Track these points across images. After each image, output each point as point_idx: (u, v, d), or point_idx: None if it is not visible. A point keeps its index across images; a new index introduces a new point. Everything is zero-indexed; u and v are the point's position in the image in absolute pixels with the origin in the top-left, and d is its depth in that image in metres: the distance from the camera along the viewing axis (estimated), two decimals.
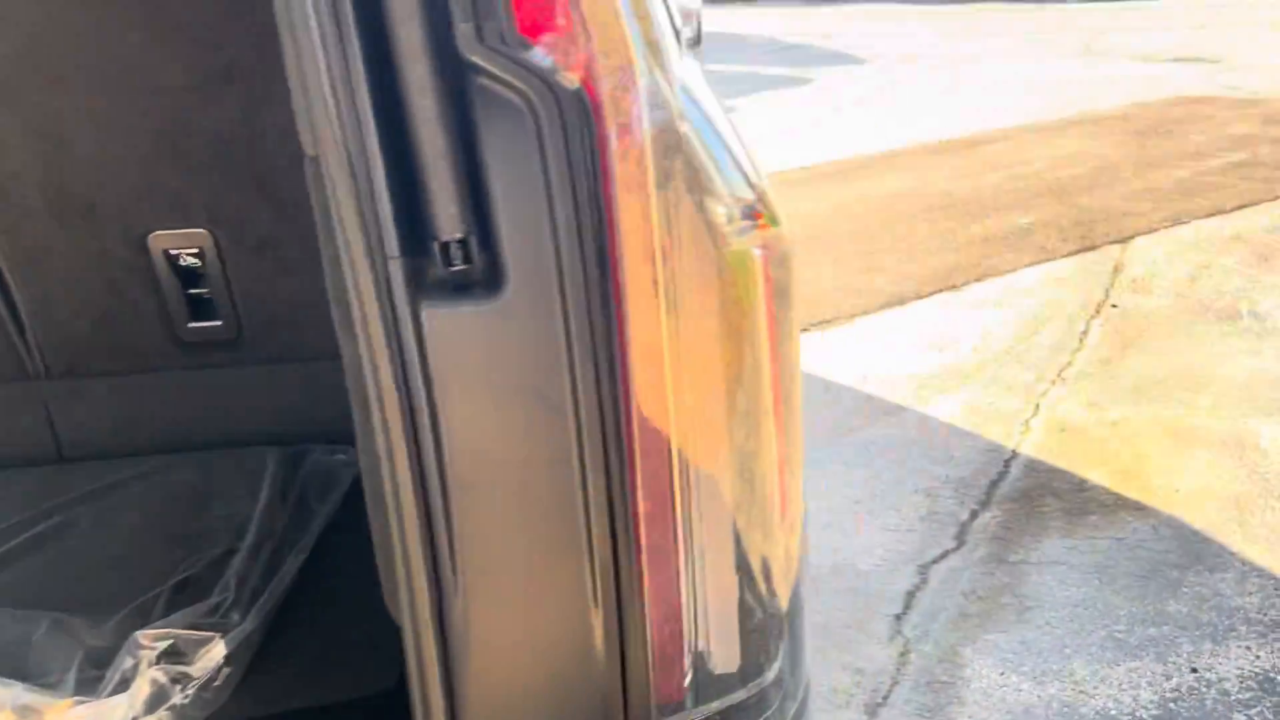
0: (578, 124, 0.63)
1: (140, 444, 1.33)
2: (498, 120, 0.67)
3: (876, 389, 3.93)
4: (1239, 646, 2.42)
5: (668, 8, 0.76)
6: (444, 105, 0.68)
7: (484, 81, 0.66)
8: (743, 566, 0.73)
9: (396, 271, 0.69)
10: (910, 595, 2.68)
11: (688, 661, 0.71)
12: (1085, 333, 4.37)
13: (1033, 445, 3.43)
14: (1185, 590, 2.63)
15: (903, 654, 2.46)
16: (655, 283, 0.66)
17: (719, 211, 0.68)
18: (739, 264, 0.69)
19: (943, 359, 4.18)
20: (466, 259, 0.70)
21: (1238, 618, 2.52)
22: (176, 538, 1.16)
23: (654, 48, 0.68)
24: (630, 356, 0.68)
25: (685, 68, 0.77)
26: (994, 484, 3.20)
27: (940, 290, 4.99)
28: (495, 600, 0.72)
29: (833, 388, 3.95)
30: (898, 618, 2.59)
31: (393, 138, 0.67)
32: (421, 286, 0.69)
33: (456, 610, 0.71)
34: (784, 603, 0.77)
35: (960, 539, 2.92)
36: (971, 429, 3.57)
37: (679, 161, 0.66)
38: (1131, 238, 5.62)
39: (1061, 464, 3.30)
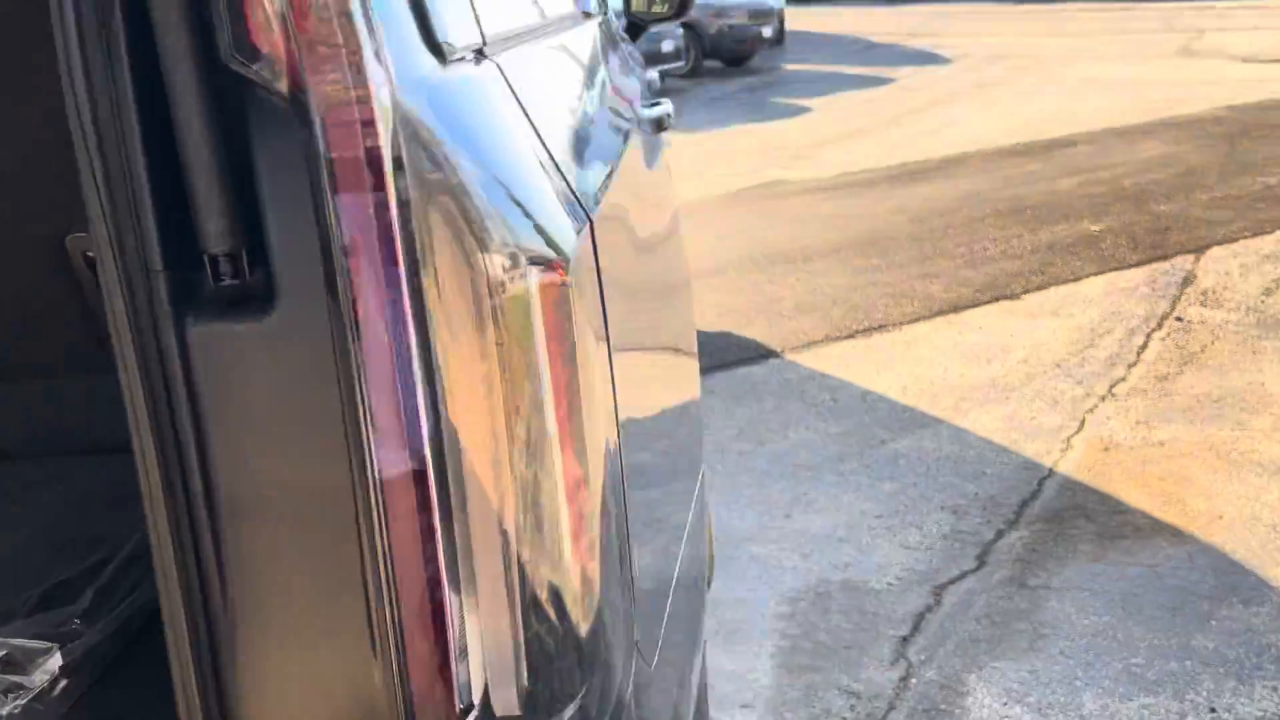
0: (313, 140, 0.59)
1: (61, 446, 1.33)
2: (266, 129, 0.63)
3: (915, 399, 3.81)
4: (1265, 687, 2.28)
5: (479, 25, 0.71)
6: (207, 111, 0.64)
7: (249, 89, 0.63)
8: (528, 599, 0.68)
9: (160, 286, 0.66)
10: (920, 617, 2.58)
11: (471, 698, 0.67)
12: (1144, 347, 4.19)
13: (1071, 464, 3.29)
14: (1214, 624, 2.49)
15: (903, 678, 2.37)
16: (421, 314, 0.62)
17: (485, 253, 0.63)
18: (512, 307, 0.64)
19: (989, 371, 4.04)
20: (237, 274, 0.66)
21: (1267, 655, 2.37)
22: (67, 543, 1.15)
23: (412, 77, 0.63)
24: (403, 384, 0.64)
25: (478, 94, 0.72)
26: (1025, 503, 3.08)
27: (997, 299, 4.84)
28: (268, 637, 0.68)
29: (869, 397, 3.85)
30: (904, 640, 2.50)
31: (159, 146, 0.64)
32: (189, 302, 0.66)
33: (225, 647, 0.68)
34: (583, 633, 0.72)
35: (981, 560, 2.81)
36: (1009, 445, 3.44)
37: (428, 193, 0.61)
38: (1207, 248, 5.38)
39: (1100, 485, 3.16)
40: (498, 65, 0.72)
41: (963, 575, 2.74)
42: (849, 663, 2.43)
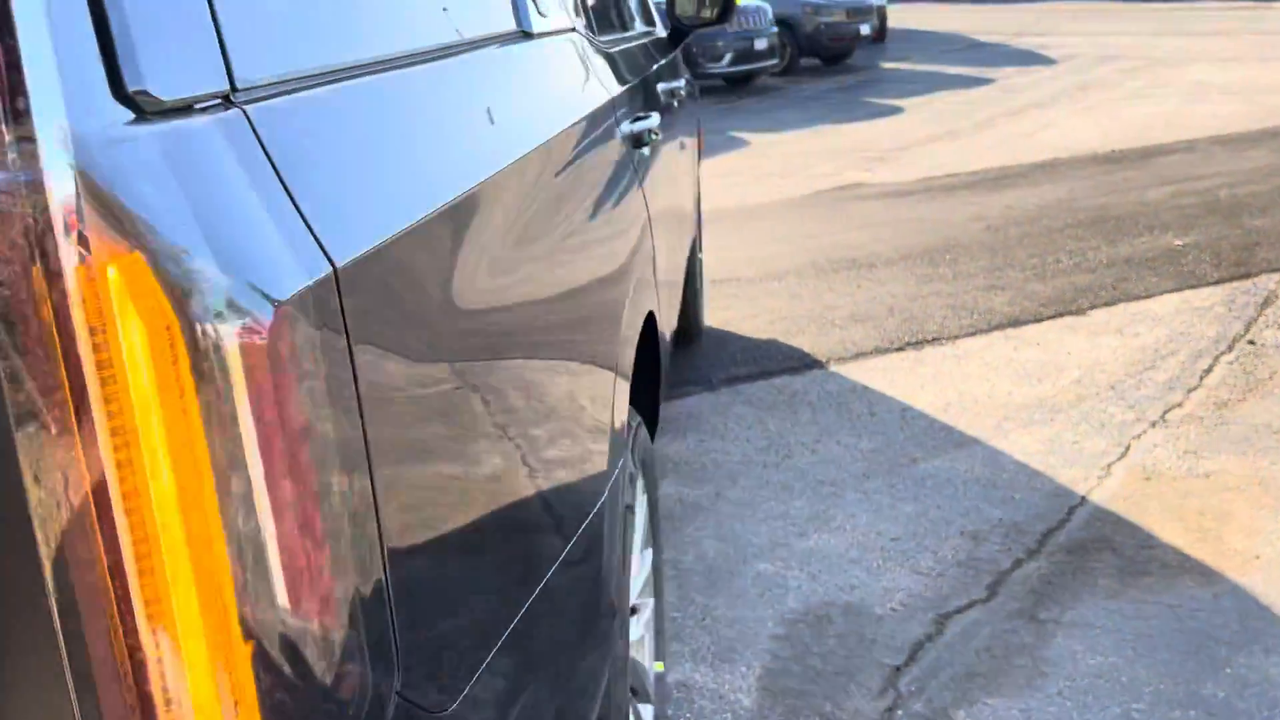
0: None
1: None
2: None
3: (955, 417, 3.71)
4: None
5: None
6: None
7: None
8: (260, 653, 0.68)
9: None
10: (918, 646, 2.51)
11: None
12: (1208, 371, 4.00)
13: (1106, 493, 3.16)
14: (1229, 672, 2.36)
15: (889, 710, 2.31)
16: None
17: (180, 318, 0.62)
18: (209, 370, 0.63)
19: (1038, 390, 3.91)
20: None
21: None
22: None
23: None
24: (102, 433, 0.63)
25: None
26: (1049, 532, 2.97)
27: (1061, 314, 4.68)
28: None
29: (909, 413, 3.76)
30: (897, 670, 2.43)
31: None
32: None
33: None
34: (327, 683, 0.71)
35: (993, 590, 2.72)
36: (1044, 469, 3.32)
37: (103, 261, 0.60)
38: None
39: (1133, 516, 3.03)
40: (245, 113, 0.72)
41: (970, 605, 2.66)
42: (836, 689, 2.37)
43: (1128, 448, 3.43)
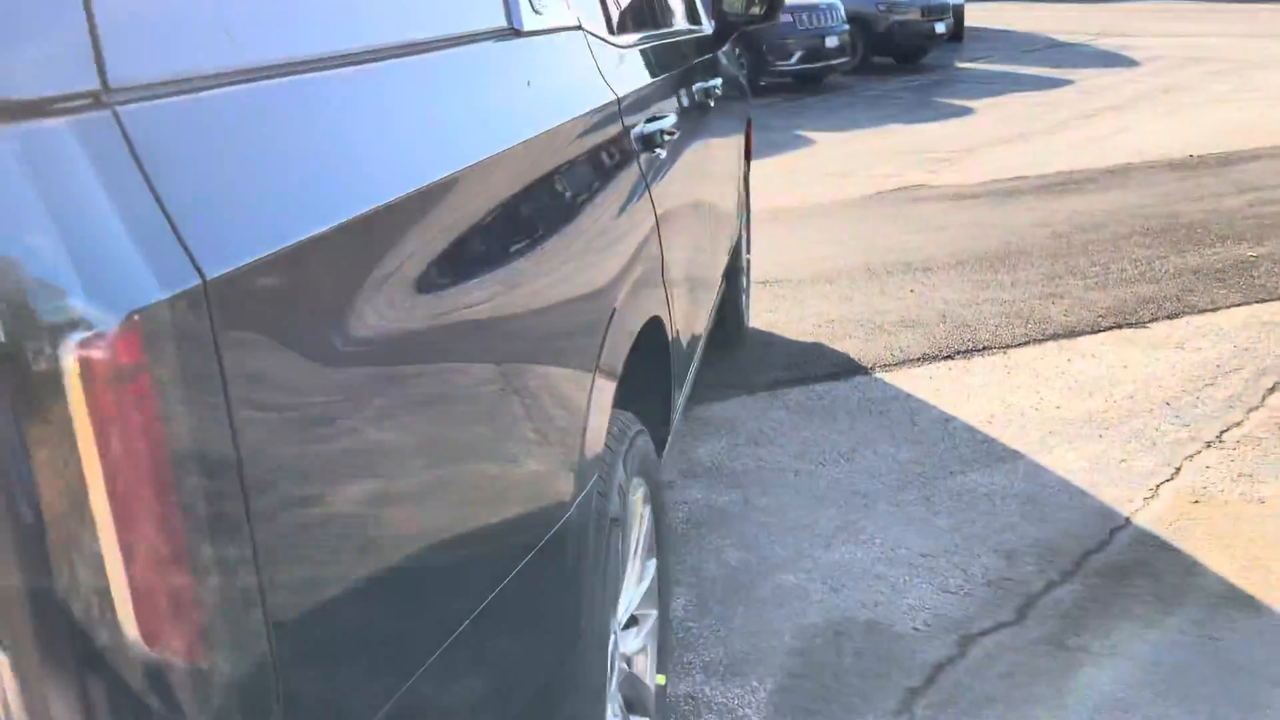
0: None
1: None
2: None
3: (1000, 430, 3.59)
4: None
5: None
6: None
7: None
8: (101, 684, 0.65)
9: None
10: (938, 669, 2.42)
11: None
12: (1272, 390, 3.83)
13: (1152, 515, 3.03)
14: (1269, 713, 2.24)
15: None
16: None
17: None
18: (44, 392, 0.59)
19: (1089, 404, 3.77)
20: None
21: None
22: None
23: None
24: None
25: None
26: (1087, 554, 2.85)
27: (1119, 325, 4.52)
28: None
29: (951, 424, 3.65)
30: (913, 692, 2.35)
31: None
32: None
33: None
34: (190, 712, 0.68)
35: (1022, 613, 2.61)
36: (1088, 487, 3.20)
37: None
38: None
39: (1178, 541, 2.90)
40: (116, 114, 0.68)
41: (997, 627, 2.56)
42: (848, 710, 2.30)
43: (1179, 468, 3.29)
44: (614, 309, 1.52)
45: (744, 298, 4.47)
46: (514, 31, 1.45)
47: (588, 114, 1.57)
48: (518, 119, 1.32)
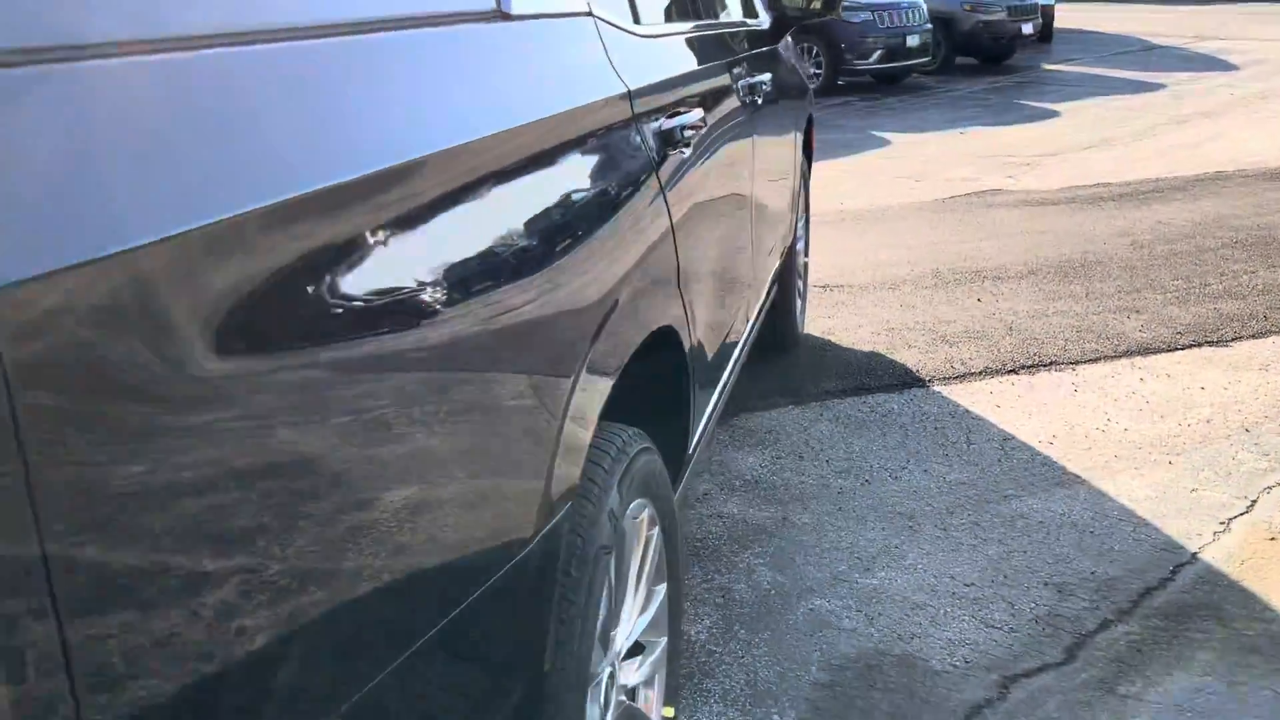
0: None
1: None
2: None
3: (1061, 452, 3.39)
4: None
5: None
6: None
7: None
8: None
9: None
10: (975, 711, 2.25)
11: None
12: None
13: (1221, 551, 2.81)
14: None
15: None
16: None
17: None
18: None
19: (1160, 427, 3.54)
20: None
21: None
22: None
23: None
24: None
25: None
26: (1147, 592, 2.65)
27: (1199, 344, 4.26)
28: None
29: (1009, 444, 3.46)
30: None
31: None
32: None
33: None
34: None
35: (1071, 653, 2.43)
36: (1152, 518, 2.98)
37: None
38: None
39: (1249, 581, 2.68)
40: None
41: (1042, 668, 2.38)
42: None
43: (1255, 501, 3.06)
44: (604, 318, 1.40)
45: (799, 302, 4.31)
46: (501, 14, 1.33)
47: (585, 106, 1.44)
48: (494, 109, 1.20)
